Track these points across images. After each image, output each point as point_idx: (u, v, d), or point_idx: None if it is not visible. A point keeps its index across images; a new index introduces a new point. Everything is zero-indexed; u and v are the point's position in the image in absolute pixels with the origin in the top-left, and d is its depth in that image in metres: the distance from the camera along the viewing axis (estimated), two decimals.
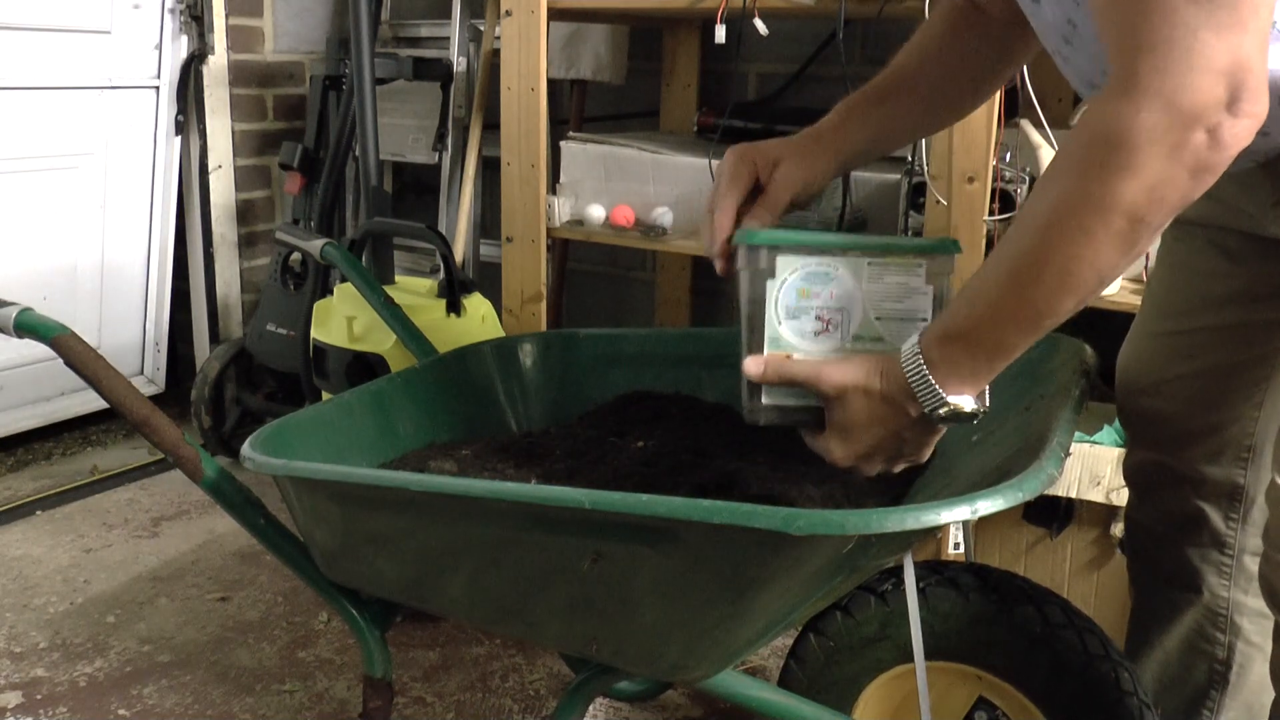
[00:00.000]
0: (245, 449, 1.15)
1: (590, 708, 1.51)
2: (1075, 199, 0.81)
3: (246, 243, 2.95)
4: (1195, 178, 0.78)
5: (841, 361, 0.98)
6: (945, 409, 0.92)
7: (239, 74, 2.84)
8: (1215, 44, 0.74)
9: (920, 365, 0.92)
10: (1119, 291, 1.68)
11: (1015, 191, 1.69)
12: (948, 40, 1.16)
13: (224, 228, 2.89)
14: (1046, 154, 1.71)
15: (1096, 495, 1.63)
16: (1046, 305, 0.86)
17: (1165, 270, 1.22)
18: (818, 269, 1.01)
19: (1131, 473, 1.31)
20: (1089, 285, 0.84)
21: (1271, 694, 1.09)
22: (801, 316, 1.02)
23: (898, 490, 1.16)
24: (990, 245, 1.70)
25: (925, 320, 1.02)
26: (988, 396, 0.95)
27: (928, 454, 1.01)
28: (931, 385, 0.92)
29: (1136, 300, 1.64)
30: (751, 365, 1.01)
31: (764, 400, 1.01)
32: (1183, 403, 1.20)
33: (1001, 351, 0.91)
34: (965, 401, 0.92)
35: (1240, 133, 0.77)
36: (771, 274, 1.01)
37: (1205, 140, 0.76)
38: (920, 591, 1.19)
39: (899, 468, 1.02)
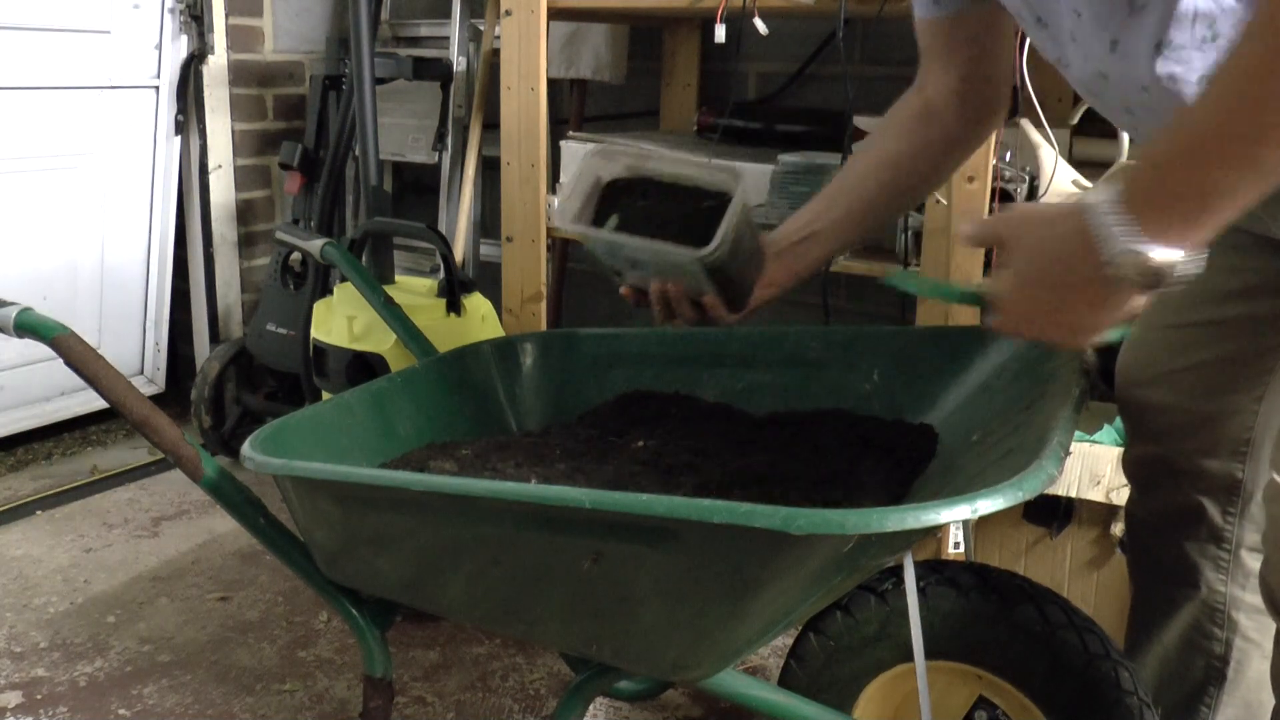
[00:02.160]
0: (245, 449, 1.15)
1: (590, 708, 1.51)
2: None
3: (246, 243, 2.95)
4: None
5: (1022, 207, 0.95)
6: (1131, 255, 0.75)
7: (239, 74, 2.84)
8: None
9: (1105, 210, 0.77)
10: None
11: (1015, 191, 1.69)
12: (901, 147, 1.22)
13: (224, 228, 2.89)
14: (1047, 153, 1.70)
15: (1096, 495, 1.63)
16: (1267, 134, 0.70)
17: None
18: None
19: (1131, 467, 1.31)
20: None
21: (1269, 693, 1.09)
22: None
23: (898, 490, 1.16)
24: None
25: None
26: (1203, 259, 0.77)
27: (1104, 330, 0.85)
28: (1111, 229, 0.75)
29: None
30: None
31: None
32: (1182, 396, 1.20)
33: (1208, 192, 0.74)
34: (1160, 252, 0.75)
35: None
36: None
37: None
38: (920, 591, 1.18)
39: (1074, 338, 0.87)
